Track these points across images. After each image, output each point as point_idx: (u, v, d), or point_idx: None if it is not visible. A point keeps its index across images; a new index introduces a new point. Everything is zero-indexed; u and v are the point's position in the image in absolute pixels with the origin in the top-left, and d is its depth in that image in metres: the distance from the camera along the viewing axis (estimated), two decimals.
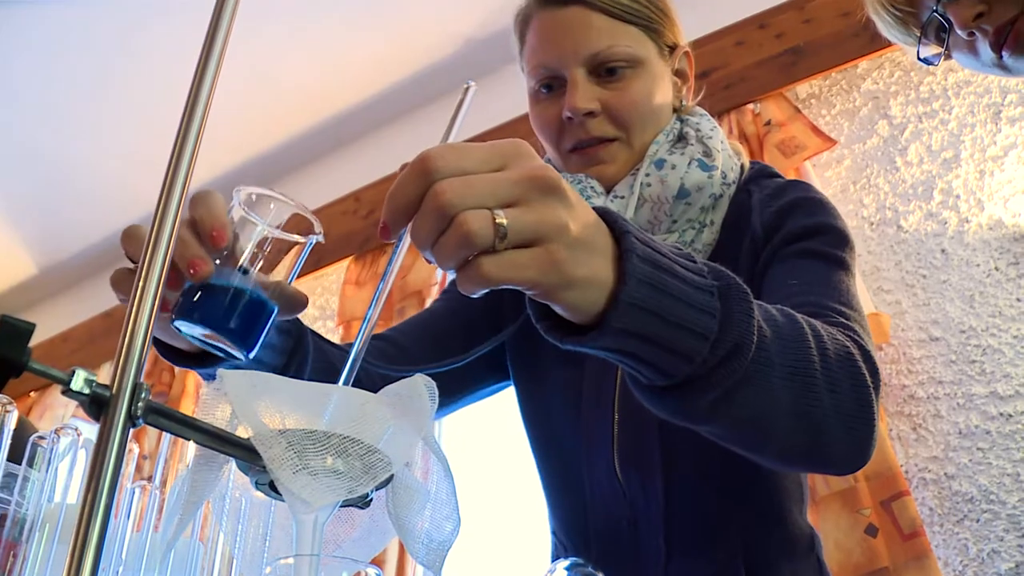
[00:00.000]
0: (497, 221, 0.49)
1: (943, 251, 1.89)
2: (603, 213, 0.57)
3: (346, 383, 0.57)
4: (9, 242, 3.48)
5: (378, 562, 2.22)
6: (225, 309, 0.62)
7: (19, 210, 3.33)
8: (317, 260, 2.91)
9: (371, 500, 0.55)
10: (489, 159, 0.51)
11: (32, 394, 3.59)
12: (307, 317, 2.93)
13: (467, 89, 0.64)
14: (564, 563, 0.52)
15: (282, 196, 0.64)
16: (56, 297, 3.78)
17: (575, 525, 1.01)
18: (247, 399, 0.49)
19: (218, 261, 0.63)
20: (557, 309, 0.55)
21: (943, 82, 2.04)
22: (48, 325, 3.66)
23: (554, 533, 1.05)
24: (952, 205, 1.92)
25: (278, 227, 0.63)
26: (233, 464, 0.53)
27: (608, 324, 0.54)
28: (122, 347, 0.44)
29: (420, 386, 0.53)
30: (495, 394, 1.14)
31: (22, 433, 0.92)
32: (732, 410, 0.63)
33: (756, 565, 0.91)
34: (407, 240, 0.54)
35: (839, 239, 0.92)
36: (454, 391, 1.07)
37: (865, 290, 1.91)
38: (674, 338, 0.57)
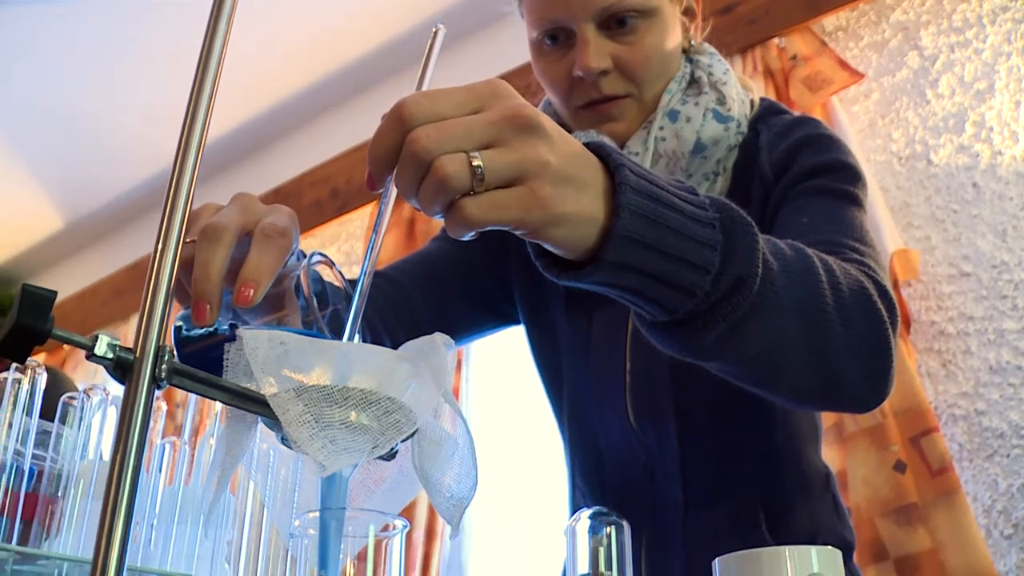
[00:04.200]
0: (474, 163, 0.49)
1: (975, 185, 1.86)
2: (597, 148, 0.56)
3: (350, 338, 0.58)
4: (35, 198, 3.52)
5: (408, 515, 2.27)
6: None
7: (43, 167, 3.37)
8: (341, 206, 2.93)
9: (396, 452, 0.57)
10: (465, 102, 0.51)
11: (66, 347, 3.65)
12: None
13: (436, 32, 0.62)
14: (587, 512, 0.53)
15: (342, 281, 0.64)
16: (83, 251, 3.83)
17: (591, 473, 1.01)
18: (266, 359, 0.50)
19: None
20: (548, 247, 0.55)
21: (977, 9, 1.98)
22: (77, 279, 3.72)
23: (572, 480, 1.05)
24: (985, 138, 1.88)
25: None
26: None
27: (603, 259, 0.54)
28: (144, 310, 0.45)
29: (439, 343, 0.54)
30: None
31: (56, 388, 0.95)
32: (739, 346, 0.62)
33: (773, 507, 0.92)
34: (393, 190, 0.54)
35: (850, 175, 0.90)
36: (455, 334, 1.08)
37: (894, 226, 1.89)
38: (673, 272, 0.56)
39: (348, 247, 2.95)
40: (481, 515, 2.46)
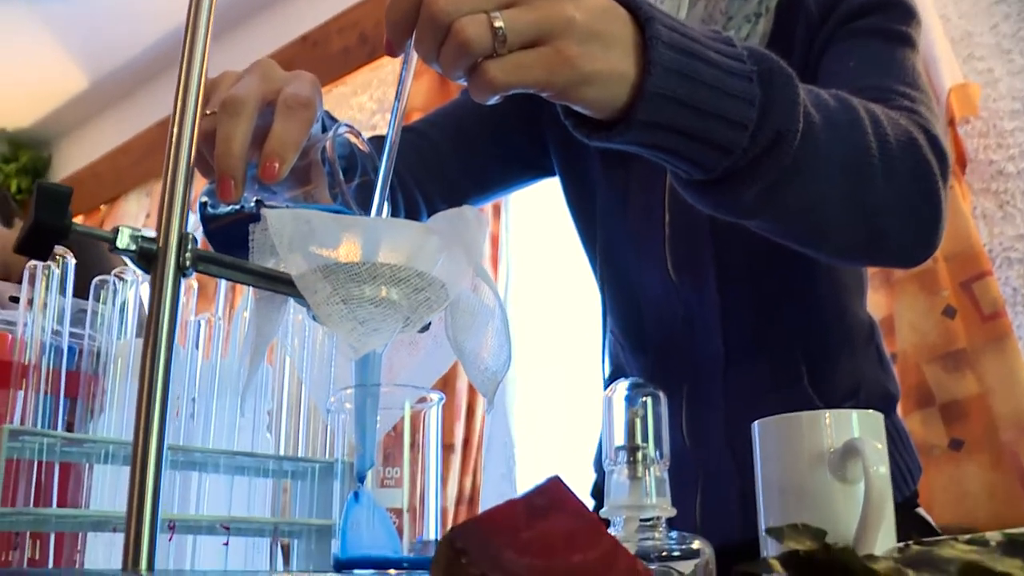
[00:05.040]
0: (495, 24, 0.48)
1: None
2: (625, 1, 0.54)
3: (378, 210, 0.57)
4: (58, 59, 3.49)
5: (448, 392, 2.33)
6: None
7: (63, 28, 3.32)
8: (371, 51, 2.86)
9: (429, 324, 0.57)
10: None
11: (102, 207, 3.71)
12: (365, 111, 2.92)
13: None
14: (624, 383, 0.54)
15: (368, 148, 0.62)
16: (110, 110, 3.83)
17: (631, 327, 1.01)
18: (292, 239, 0.49)
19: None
20: (578, 108, 0.53)
21: None
22: (107, 138, 3.73)
23: (611, 332, 1.06)
24: None
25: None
26: None
27: (634, 118, 0.53)
28: (164, 198, 0.45)
29: (468, 215, 0.53)
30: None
31: (94, 265, 0.96)
32: (780, 203, 0.61)
33: (815, 361, 0.92)
34: (414, 54, 0.52)
35: (903, 13, 0.85)
36: (487, 189, 1.07)
37: (953, 59, 1.80)
38: (709, 129, 0.55)
39: (380, 94, 2.90)
40: (524, 386, 2.52)
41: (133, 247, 0.43)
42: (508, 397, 2.58)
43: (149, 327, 0.44)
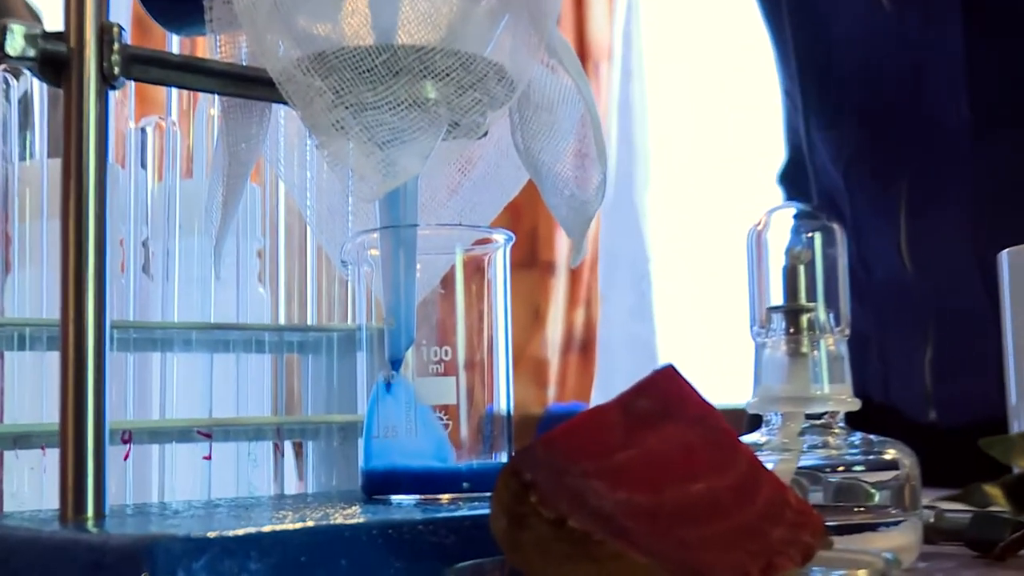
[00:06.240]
0: None
1: None
2: None
3: None
4: None
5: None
6: None
7: None
8: None
9: (487, 131, 0.60)
10: None
11: None
12: None
13: None
14: (783, 210, 0.57)
15: None
16: None
17: (817, 82, 1.06)
18: (268, 10, 0.51)
19: None
20: None
21: None
22: None
23: (787, 95, 1.11)
24: None
25: None
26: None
27: None
28: None
29: None
30: None
31: None
32: None
33: None
34: None
35: None
36: None
37: None
38: None
39: None
40: (662, 182, 2.53)
41: (31, 52, 0.46)
42: (642, 194, 2.60)
43: (67, 163, 0.48)
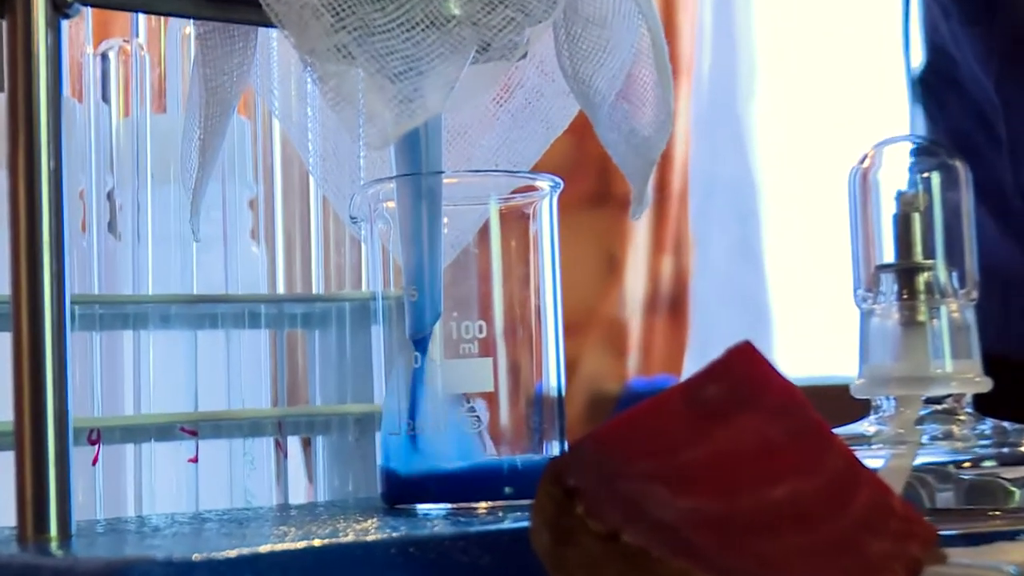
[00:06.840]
0: None
1: None
2: None
3: None
4: None
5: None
6: None
7: None
8: None
9: (526, 52, 0.60)
10: None
11: None
12: None
13: None
14: (897, 146, 0.57)
15: None
16: None
17: None
18: None
19: None
20: None
21: None
22: None
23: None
24: None
25: None
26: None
27: None
28: None
29: None
30: None
31: None
32: None
33: None
34: None
35: None
36: None
37: None
38: None
39: None
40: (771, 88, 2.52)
41: None
42: (747, 105, 2.55)
43: (15, 88, 0.50)
